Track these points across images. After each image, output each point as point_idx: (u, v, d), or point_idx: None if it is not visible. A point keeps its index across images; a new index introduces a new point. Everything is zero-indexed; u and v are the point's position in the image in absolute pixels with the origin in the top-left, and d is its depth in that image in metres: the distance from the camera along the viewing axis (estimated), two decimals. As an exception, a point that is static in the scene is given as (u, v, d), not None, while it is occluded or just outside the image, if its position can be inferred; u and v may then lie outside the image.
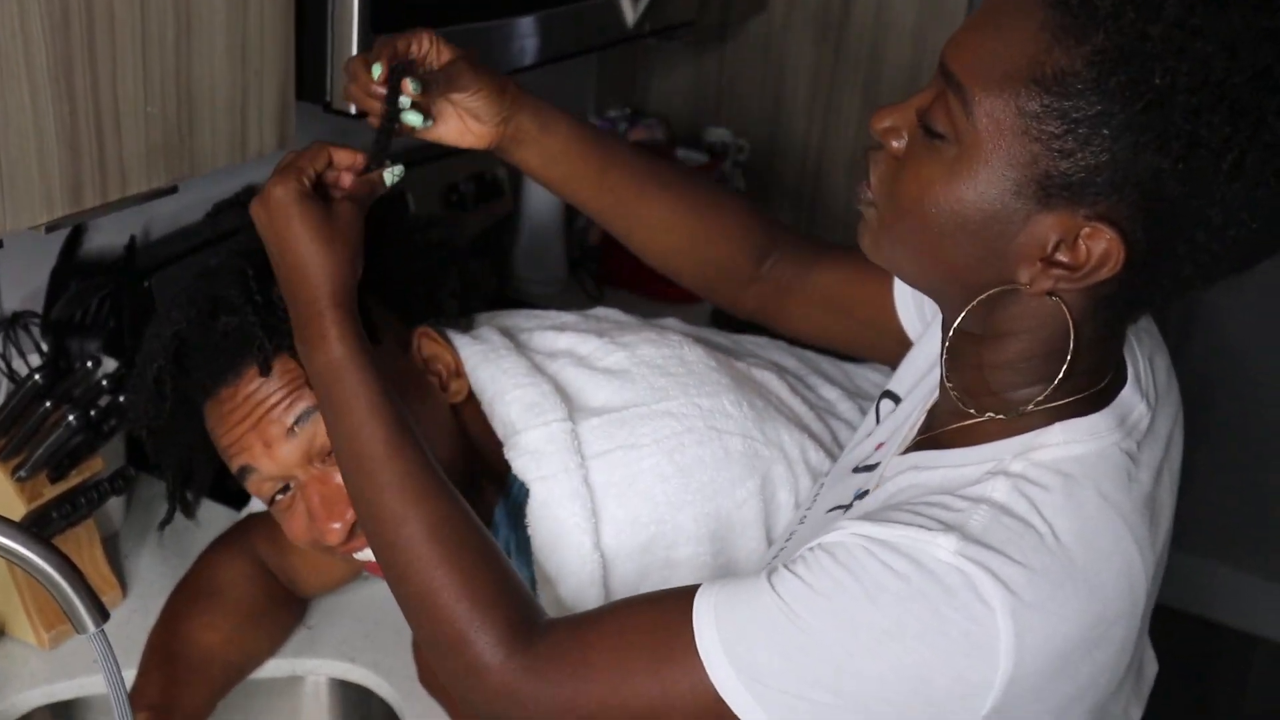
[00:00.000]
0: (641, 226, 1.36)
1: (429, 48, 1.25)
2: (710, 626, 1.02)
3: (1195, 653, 3.36)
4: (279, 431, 1.27)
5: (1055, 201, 0.95)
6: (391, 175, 1.24)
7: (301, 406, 1.27)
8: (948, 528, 0.97)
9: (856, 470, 1.25)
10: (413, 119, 1.23)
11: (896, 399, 1.30)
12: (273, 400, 1.27)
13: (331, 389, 1.17)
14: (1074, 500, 1.01)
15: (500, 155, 1.32)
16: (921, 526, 0.98)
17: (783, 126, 2.69)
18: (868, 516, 1.03)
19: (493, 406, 1.34)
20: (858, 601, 0.97)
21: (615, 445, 1.31)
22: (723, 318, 2.45)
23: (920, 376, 1.27)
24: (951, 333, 1.06)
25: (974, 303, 1.02)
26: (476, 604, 1.11)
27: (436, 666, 1.17)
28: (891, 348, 1.38)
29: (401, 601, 1.16)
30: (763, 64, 2.69)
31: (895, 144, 1.04)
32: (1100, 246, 0.95)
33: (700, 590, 1.05)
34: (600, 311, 1.55)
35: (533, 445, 1.29)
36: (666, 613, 1.06)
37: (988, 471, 1.03)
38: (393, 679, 1.53)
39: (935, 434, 1.12)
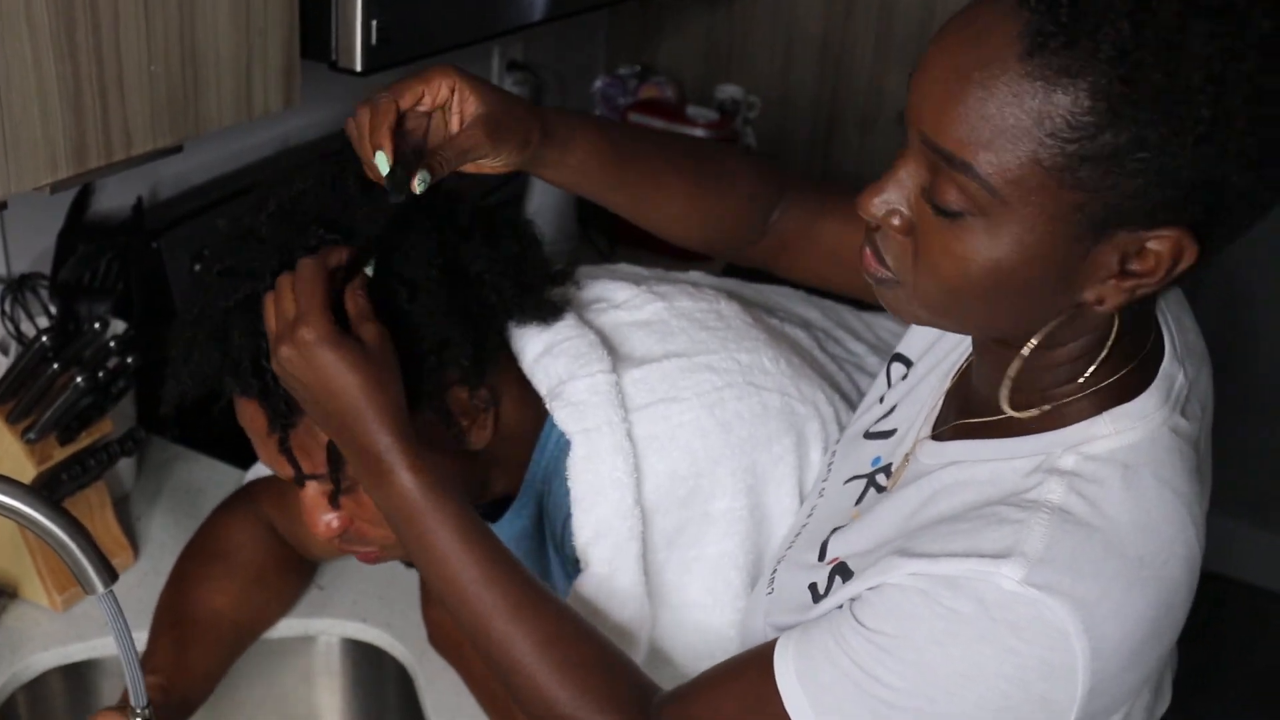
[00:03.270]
0: (657, 215, 1.34)
1: (448, 96, 1.17)
2: (797, 692, 1.03)
3: (1209, 609, 3.35)
4: (278, 451, 1.26)
5: (1111, 230, 0.90)
6: (370, 269, 1.18)
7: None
8: (1009, 552, 0.95)
9: (869, 436, 1.24)
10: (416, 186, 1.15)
11: (908, 363, 1.29)
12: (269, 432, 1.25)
13: (411, 523, 1.15)
14: (1133, 491, 0.98)
15: None
16: (981, 555, 0.95)
17: (793, 84, 2.67)
18: (918, 539, 1.01)
19: (537, 363, 1.32)
20: (929, 649, 0.97)
21: (656, 398, 1.30)
22: (739, 271, 2.45)
23: (932, 340, 1.26)
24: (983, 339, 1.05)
25: (1037, 336, 0.99)
26: (595, 707, 1.13)
27: None
28: None
29: (520, 707, 1.18)
30: (773, 20, 2.67)
31: (897, 222, 0.97)
32: (1170, 246, 0.90)
33: (776, 655, 1.06)
34: (623, 267, 1.53)
35: (577, 396, 1.28)
36: (753, 682, 1.08)
37: (1038, 467, 1.01)
38: (405, 639, 1.53)
39: (971, 423, 1.10)
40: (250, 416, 1.24)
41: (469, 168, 1.17)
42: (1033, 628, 0.94)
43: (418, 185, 1.12)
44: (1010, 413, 1.03)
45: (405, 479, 1.13)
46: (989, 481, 1.03)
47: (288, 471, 1.24)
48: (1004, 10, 0.88)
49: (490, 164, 1.18)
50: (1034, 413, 1.03)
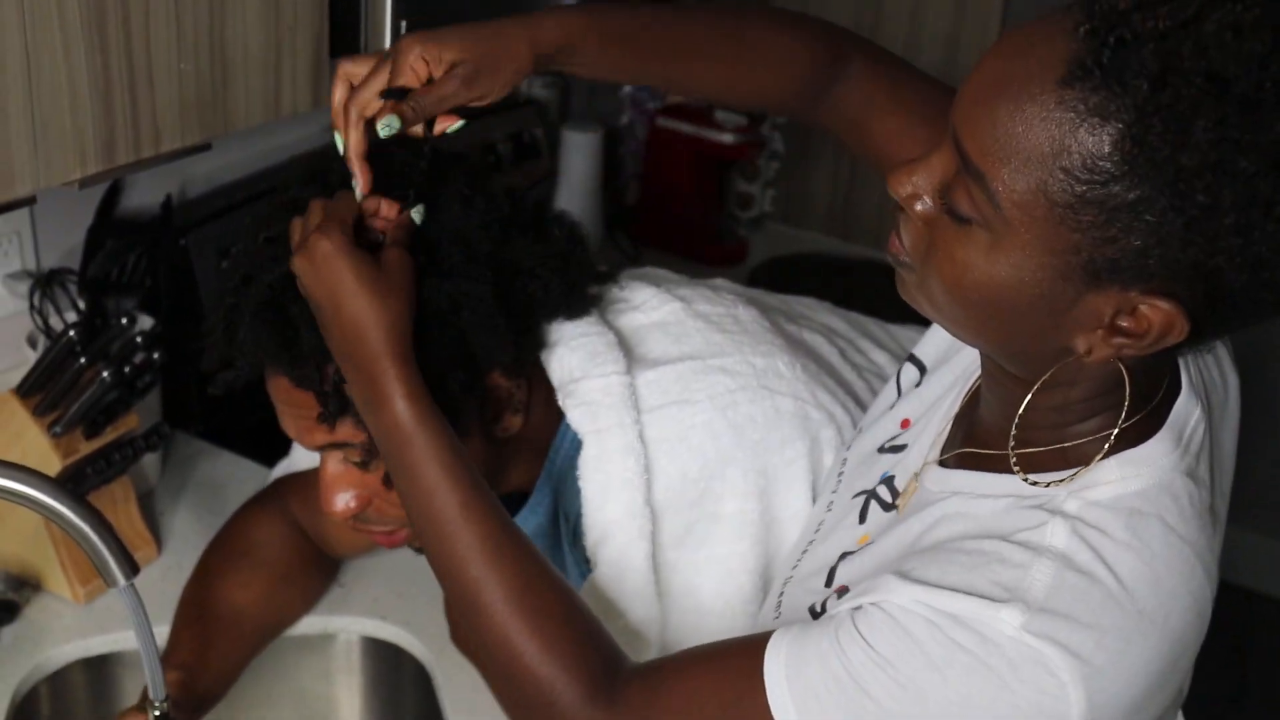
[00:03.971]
0: (693, 92, 1.29)
1: (426, 71, 1.14)
2: (782, 688, 1.01)
3: (1234, 623, 3.33)
4: (311, 424, 1.25)
5: (1105, 283, 0.89)
6: (418, 214, 1.17)
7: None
8: (1010, 596, 0.94)
9: (882, 450, 1.23)
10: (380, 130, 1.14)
11: (921, 367, 1.28)
12: (308, 406, 1.24)
13: (401, 452, 1.12)
14: (1139, 539, 0.96)
15: None
16: (983, 597, 0.94)
17: (792, 17, 2.67)
18: (919, 562, 1.00)
19: (553, 352, 1.32)
20: (925, 674, 0.96)
21: (670, 400, 1.30)
22: (765, 278, 2.45)
23: (948, 350, 1.24)
24: (992, 367, 1.04)
25: (1030, 394, 0.98)
26: (560, 664, 1.09)
27: (515, 718, 1.16)
28: None
29: (483, 654, 1.15)
30: (802, 25, 2.66)
31: (919, 208, 0.97)
32: (1161, 317, 0.89)
33: (769, 648, 1.03)
34: (650, 270, 1.54)
35: (590, 395, 1.29)
36: (738, 670, 1.05)
37: (1041, 506, 0.99)
38: (424, 637, 1.54)
39: (976, 452, 1.09)
40: (284, 387, 1.23)
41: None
42: (1030, 670, 0.93)
43: (381, 130, 1.11)
44: (1013, 453, 1.02)
45: (400, 405, 1.11)
46: (989, 516, 1.02)
47: (312, 441, 1.24)
48: (1059, 31, 0.87)
49: (481, 101, 1.16)
50: (1037, 452, 1.02)
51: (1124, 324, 0.91)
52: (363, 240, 1.14)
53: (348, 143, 1.15)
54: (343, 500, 1.27)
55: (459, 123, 1.17)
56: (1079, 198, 0.85)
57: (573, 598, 1.14)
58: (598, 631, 1.13)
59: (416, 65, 1.13)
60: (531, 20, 1.17)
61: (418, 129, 1.16)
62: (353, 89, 1.16)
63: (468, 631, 1.16)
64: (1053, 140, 0.85)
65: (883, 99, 1.29)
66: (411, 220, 1.17)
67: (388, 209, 1.16)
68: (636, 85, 1.29)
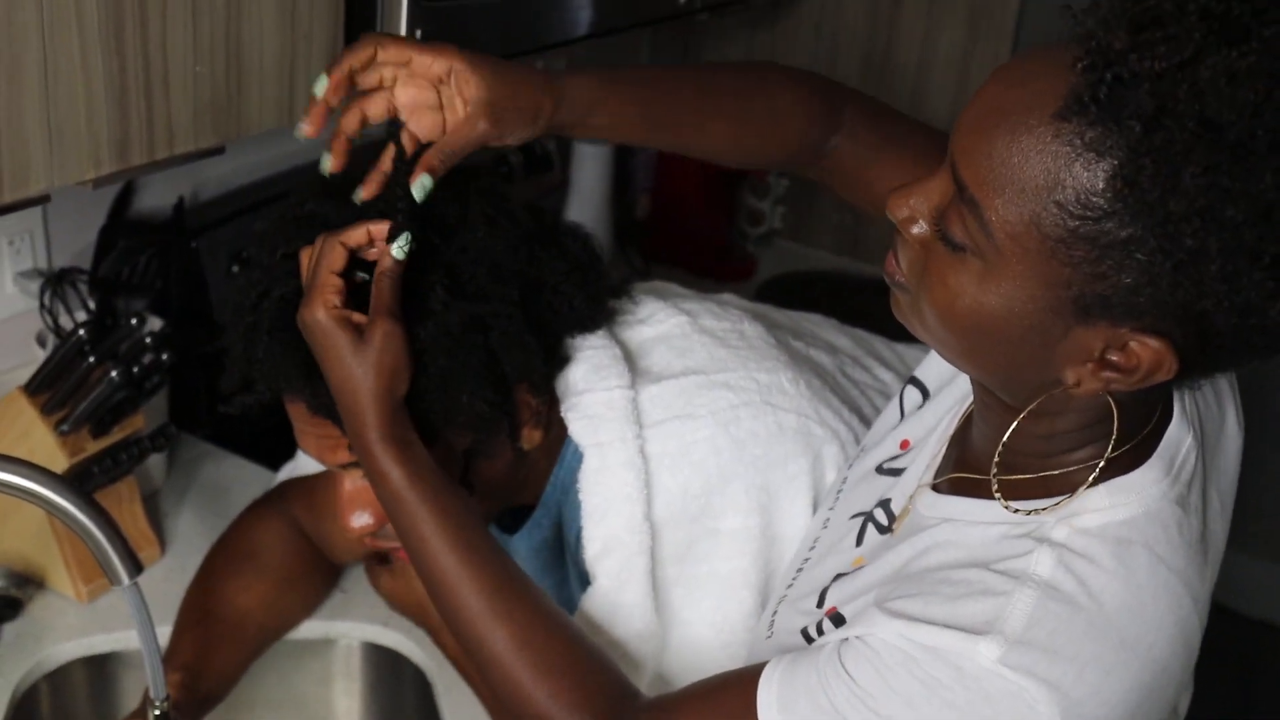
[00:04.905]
0: (700, 152, 1.30)
1: (442, 74, 1.14)
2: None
3: (1237, 650, 3.32)
4: (331, 443, 1.25)
5: (1095, 319, 0.90)
6: (400, 249, 1.13)
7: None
8: (988, 629, 0.94)
9: (880, 471, 1.24)
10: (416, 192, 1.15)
11: (924, 390, 1.28)
12: (328, 427, 1.24)
13: (395, 513, 1.15)
14: (1125, 567, 0.96)
15: None
16: (962, 630, 0.95)
17: (787, 73, 2.68)
18: (903, 593, 1.01)
19: (557, 364, 1.33)
20: (903, 709, 0.96)
21: (672, 415, 1.30)
22: (773, 295, 2.45)
23: (951, 373, 1.24)
24: (983, 393, 1.04)
25: (1018, 419, 0.99)
26: (570, 708, 1.13)
27: None
28: None
29: (497, 700, 1.19)
30: (815, 42, 2.68)
31: (916, 231, 0.97)
32: (1150, 354, 0.89)
33: (761, 681, 1.05)
34: (659, 285, 1.54)
35: (592, 409, 1.29)
36: (734, 703, 1.07)
37: (1028, 534, 0.99)
38: (424, 644, 1.54)
39: (968, 477, 1.09)
40: (305, 409, 1.23)
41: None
42: (1007, 704, 0.93)
43: (417, 192, 1.13)
44: (995, 479, 1.03)
45: (392, 471, 1.13)
46: (979, 545, 1.02)
47: (334, 460, 1.24)
48: (1058, 64, 0.87)
49: (499, 142, 1.16)
50: (1034, 476, 1.02)
51: (1114, 359, 0.91)
52: (361, 270, 1.14)
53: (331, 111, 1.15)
54: (360, 519, 1.28)
55: (405, 242, 1.14)
56: (1071, 232, 0.86)
57: (578, 639, 1.17)
58: (605, 669, 1.16)
59: (438, 66, 1.12)
60: (552, 76, 1.16)
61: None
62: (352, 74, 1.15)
63: (478, 671, 1.19)
64: (1048, 173, 0.86)
65: (875, 140, 1.32)
66: (395, 266, 1.14)
67: (377, 231, 1.14)
68: (647, 146, 1.30)
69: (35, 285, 1.65)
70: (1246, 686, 3.24)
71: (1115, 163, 0.83)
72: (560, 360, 1.31)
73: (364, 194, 1.16)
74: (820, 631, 1.11)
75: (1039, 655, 0.93)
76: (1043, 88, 0.87)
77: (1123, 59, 0.84)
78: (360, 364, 1.11)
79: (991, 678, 0.93)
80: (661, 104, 1.25)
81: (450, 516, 1.15)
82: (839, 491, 1.28)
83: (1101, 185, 0.84)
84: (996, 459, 1.03)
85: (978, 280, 0.92)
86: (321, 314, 1.11)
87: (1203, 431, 1.06)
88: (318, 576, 1.57)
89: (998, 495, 1.02)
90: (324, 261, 1.12)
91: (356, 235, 1.14)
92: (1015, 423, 1.00)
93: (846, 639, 1.02)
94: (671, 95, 1.26)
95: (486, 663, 1.15)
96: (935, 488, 1.12)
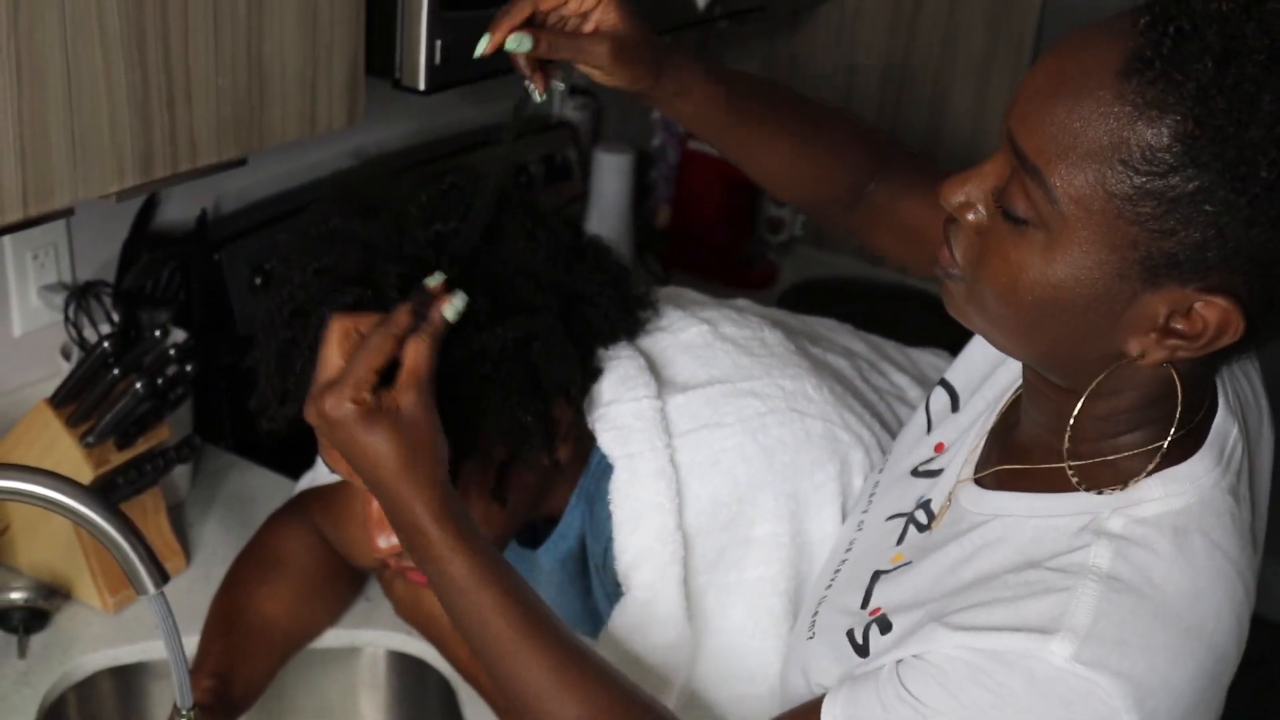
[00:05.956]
0: (757, 167, 1.33)
1: (593, 3, 1.16)
2: None
3: (1263, 656, 3.30)
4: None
5: (1163, 280, 0.89)
6: (453, 310, 1.10)
7: None
8: (1056, 626, 0.93)
9: (915, 474, 1.23)
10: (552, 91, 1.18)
11: (954, 394, 1.27)
12: None
13: (454, 601, 1.12)
14: (1184, 556, 0.96)
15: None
16: (1028, 630, 0.94)
17: (855, 111, 2.68)
18: (961, 604, 1.00)
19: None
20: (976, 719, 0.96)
21: (700, 424, 1.31)
22: (795, 302, 2.45)
23: (981, 377, 1.24)
24: (1036, 379, 1.03)
25: (1082, 399, 0.98)
26: None
27: None
28: None
29: None
30: (834, 51, 2.67)
31: (971, 218, 0.97)
32: (1217, 315, 0.89)
33: (823, 712, 1.04)
34: (673, 290, 1.54)
35: (621, 420, 1.29)
36: None
37: (1085, 528, 0.99)
38: (449, 653, 1.54)
39: (1015, 470, 1.08)
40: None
41: (580, 68, 1.18)
42: (1082, 703, 0.92)
43: (510, 44, 1.13)
44: (1069, 465, 1.01)
45: (449, 559, 1.10)
46: (1032, 540, 1.02)
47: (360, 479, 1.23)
48: (1116, 29, 0.88)
49: (601, 77, 1.19)
50: (1084, 464, 1.01)
51: (1178, 325, 0.91)
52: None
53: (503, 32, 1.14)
54: (387, 540, 1.25)
55: (460, 303, 1.11)
56: (1138, 189, 0.86)
57: (634, 690, 1.15)
58: (661, 715, 1.15)
59: (583, 6, 1.15)
60: (671, 49, 1.22)
61: None
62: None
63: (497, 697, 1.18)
64: (1111, 134, 0.86)
65: (910, 177, 1.34)
66: (442, 328, 1.10)
67: (405, 323, 1.10)
68: (713, 145, 1.32)
69: (60, 298, 1.66)
70: (1268, 690, 3.22)
71: (1181, 114, 0.84)
72: (594, 372, 1.31)
73: (485, 48, 1.15)
74: (866, 637, 1.10)
75: (1111, 648, 0.92)
76: (1101, 53, 0.88)
77: (1186, 8, 0.85)
78: (403, 454, 1.07)
79: (1066, 677, 0.92)
80: (744, 107, 1.27)
81: (512, 597, 1.12)
82: (871, 495, 1.28)
83: (1167, 140, 0.85)
84: (1066, 444, 1.01)
85: (1043, 252, 0.92)
86: (348, 411, 1.06)
87: (1245, 425, 1.06)
88: (342, 582, 1.57)
89: (1074, 478, 1.01)
90: (366, 358, 1.08)
91: (401, 321, 1.10)
92: (1079, 404, 0.99)
93: (902, 660, 1.00)
94: (755, 102, 1.29)
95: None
96: (979, 482, 1.11)
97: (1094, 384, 0.97)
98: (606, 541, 1.32)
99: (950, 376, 1.29)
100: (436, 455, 1.10)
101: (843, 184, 1.35)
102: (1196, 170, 0.84)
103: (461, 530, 1.10)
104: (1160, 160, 0.85)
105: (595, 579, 1.39)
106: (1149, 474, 0.99)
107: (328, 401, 1.07)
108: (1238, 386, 1.09)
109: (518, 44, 1.13)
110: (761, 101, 1.30)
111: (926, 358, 1.59)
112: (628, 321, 1.34)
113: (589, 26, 1.17)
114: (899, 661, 1.01)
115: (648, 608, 1.30)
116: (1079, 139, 0.88)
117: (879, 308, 2.49)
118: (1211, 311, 0.89)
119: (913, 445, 1.28)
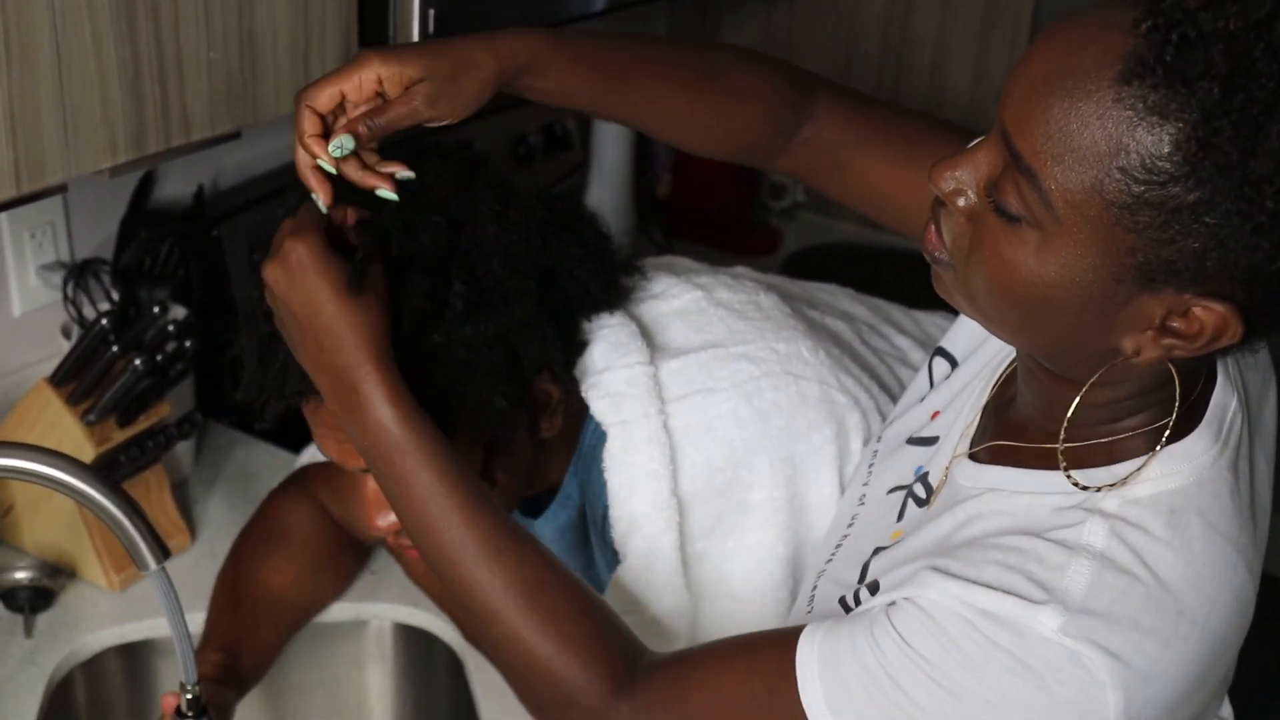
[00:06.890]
0: (654, 127, 1.25)
1: (373, 91, 1.09)
2: (814, 682, 1.00)
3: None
4: (351, 448, 1.23)
5: (1159, 285, 0.87)
6: (338, 149, 1.08)
7: None
8: (1048, 597, 0.92)
9: (911, 441, 1.22)
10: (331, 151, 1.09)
11: (952, 360, 1.26)
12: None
13: (389, 460, 1.08)
14: (1180, 538, 0.94)
15: None
16: (1021, 596, 0.93)
17: (854, 82, 2.66)
18: (954, 558, 0.99)
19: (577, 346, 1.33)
20: (961, 671, 0.95)
21: (693, 389, 1.30)
22: (798, 269, 2.45)
23: (979, 341, 1.23)
24: (1031, 363, 1.02)
25: (1079, 395, 0.97)
26: (578, 661, 1.07)
27: (539, 717, 1.15)
28: None
29: (499, 657, 1.12)
30: (834, 19, 2.66)
31: (963, 203, 0.95)
32: (1215, 319, 0.87)
33: (801, 641, 1.02)
34: (670, 259, 1.54)
35: (613, 387, 1.29)
36: (769, 662, 1.04)
37: (1079, 505, 0.98)
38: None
39: (1009, 445, 1.07)
40: (328, 414, 1.20)
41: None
42: (1067, 672, 0.92)
43: (333, 150, 1.07)
44: (1061, 455, 1.00)
45: (383, 410, 1.07)
46: (1025, 513, 1.01)
47: (356, 463, 1.22)
48: (1115, 24, 0.85)
49: (453, 117, 1.11)
50: (1079, 446, 1.00)
51: (1175, 325, 0.89)
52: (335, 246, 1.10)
53: (298, 158, 1.11)
54: (385, 519, 1.25)
55: (408, 172, 1.12)
56: (1136, 198, 0.84)
57: (585, 592, 1.11)
58: (614, 624, 1.11)
59: (367, 82, 1.08)
60: (495, 36, 1.12)
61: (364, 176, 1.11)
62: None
63: (476, 634, 1.14)
64: (1110, 138, 0.83)
65: (856, 130, 1.27)
66: (375, 222, 1.12)
67: (353, 217, 1.13)
68: (597, 115, 1.24)
69: (58, 277, 1.66)
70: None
71: (1185, 126, 0.81)
72: (579, 345, 1.30)
73: (325, 200, 1.11)
74: (858, 600, 1.10)
75: (1099, 624, 0.92)
76: (1100, 51, 0.84)
77: (1192, 18, 0.81)
78: (354, 296, 1.07)
79: (1053, 646, 0.92)
80: (613, 70, 1.19)
81: (447, 459, 1.08)
82: (870, 465, 1.27)
83: (1168, 149, 0.82)
84: (1063, 434, 1.00)
85: (1035, 251, 0.90)
86: (315, 244, 1.06)
87: (1246, 392, 1.05)
88: (347, 555, 1.57)
89: (1063, 465, 1.00)
90: (303, 216, 1.10)
91: (335, 212, 1.11)
92: (1077, 399, 0.97)
93: (894, 601, 1.00)
94: (625, 62, 1.20)
95: (489, 618, 1.08)
96: (973, 457, 1.10)
97: (1091, 380, 0.96)
98: (603, 509, 1.32)
99: (948, 344, 1.28)
100: (383, 319, 1.09)
101: (760, 131, 1.26)
102: (1199, 182, 0.82)
103: (398, 381, 1.08)
104: (1160, 169, 0.82)
105: (597, 547, 1.39)
106: (1144, 456, 0.98)
107: (289, 244, 1.07)
108: (1240, 360, 1.07)
109: (340, 148, 1.07)
110: (631, 56, 1.21)
111: (932, 319, 1.58)
112: (610, 291, 1.32)
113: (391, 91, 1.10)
114: (890, 604, 1.00)
115: (645, 574, 1.30)
116: (1076, 142, 0.85)
117: (883, 272, 2.47)
118: (1210, 315, 0.87)
119: (910, 408, 1.27)
